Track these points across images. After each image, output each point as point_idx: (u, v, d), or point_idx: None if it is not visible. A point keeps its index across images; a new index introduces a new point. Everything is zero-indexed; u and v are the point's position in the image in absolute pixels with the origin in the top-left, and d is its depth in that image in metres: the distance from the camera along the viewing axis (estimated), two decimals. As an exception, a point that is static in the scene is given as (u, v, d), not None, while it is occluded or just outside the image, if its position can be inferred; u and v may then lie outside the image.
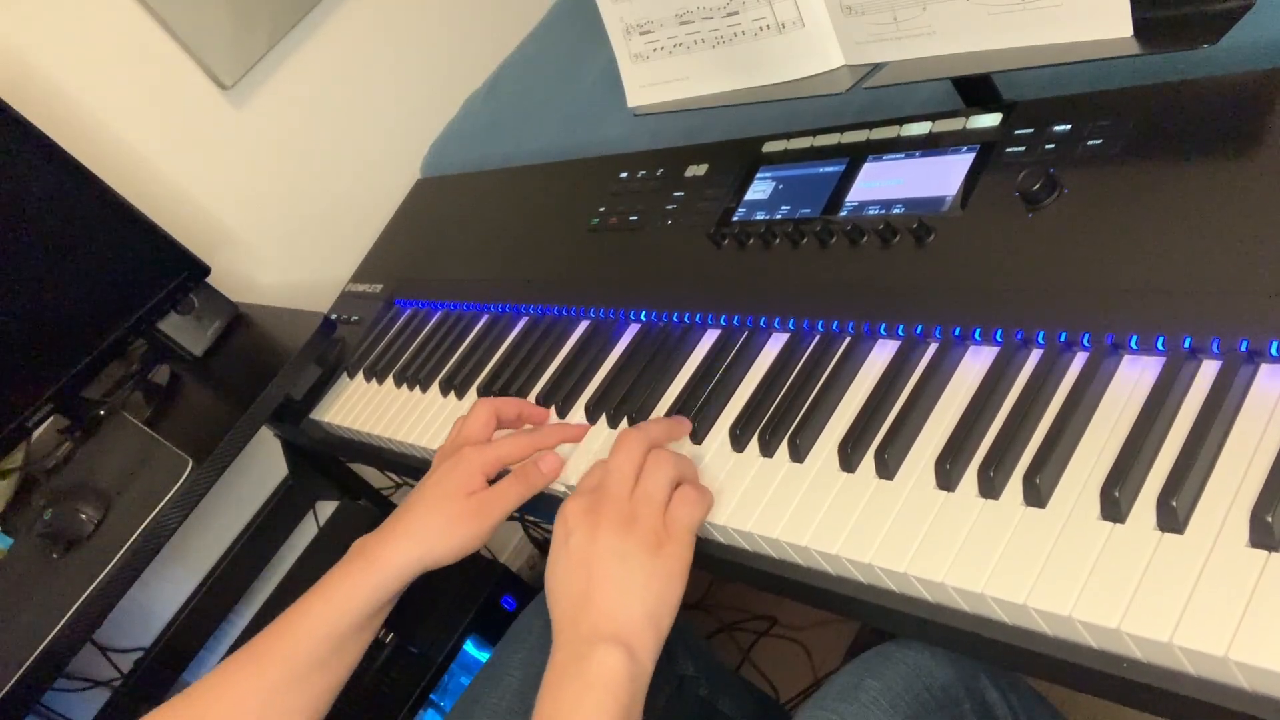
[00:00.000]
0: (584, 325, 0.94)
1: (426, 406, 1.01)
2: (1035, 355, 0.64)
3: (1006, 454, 0.60)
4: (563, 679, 0.63)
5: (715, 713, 1.01)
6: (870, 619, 0.64)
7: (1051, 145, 0.71)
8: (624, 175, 1.02)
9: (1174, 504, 0.52)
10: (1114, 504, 0.54)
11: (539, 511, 0.90)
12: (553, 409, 0.88)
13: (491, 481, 0.79)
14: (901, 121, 0.81)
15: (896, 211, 0.77)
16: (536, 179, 1.17)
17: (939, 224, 0.73)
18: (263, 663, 0.73)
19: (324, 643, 0.73)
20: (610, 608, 0.64)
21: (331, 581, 0.75)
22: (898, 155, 0.80)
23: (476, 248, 1.16)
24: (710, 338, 0.83)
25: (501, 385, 0.94)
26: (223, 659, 0.80)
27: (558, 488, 0.84)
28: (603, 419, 0.84)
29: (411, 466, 1.02)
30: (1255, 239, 0.58)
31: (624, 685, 0.62)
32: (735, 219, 0.87)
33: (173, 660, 1.36)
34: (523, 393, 0.92)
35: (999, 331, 0.66)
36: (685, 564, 0.67)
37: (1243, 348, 0.55)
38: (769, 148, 0.90)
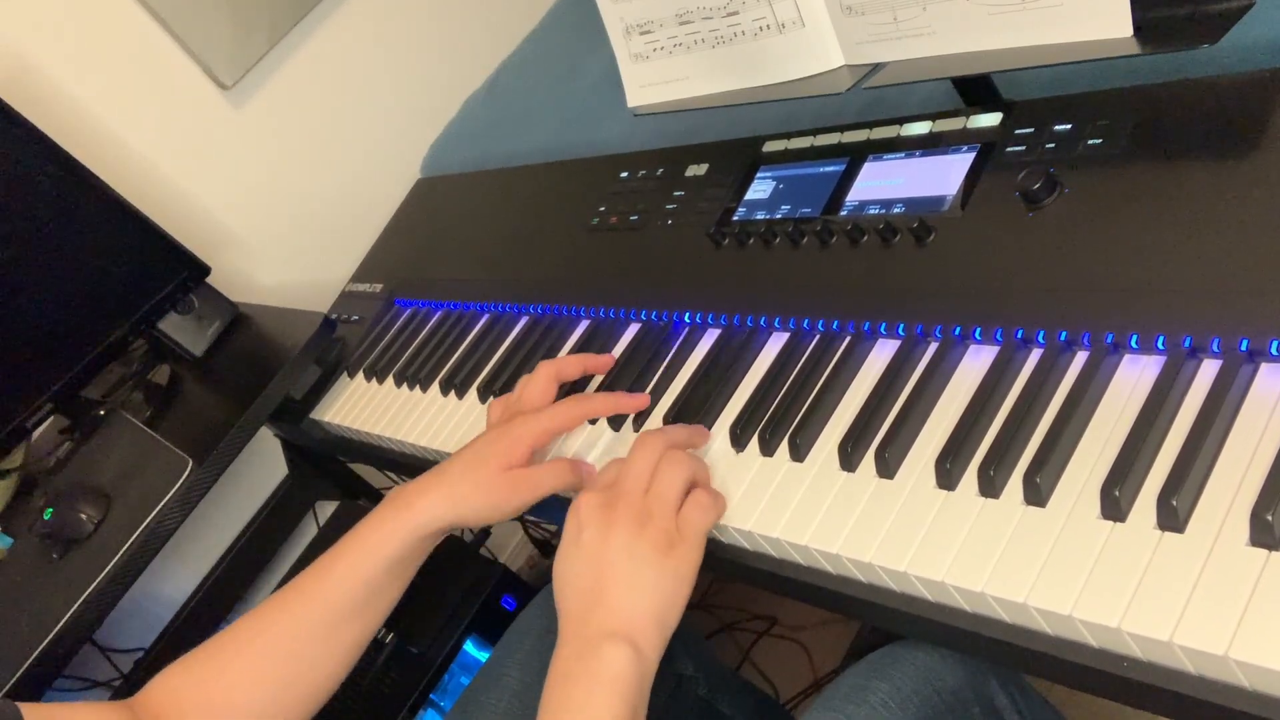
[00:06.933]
0: (584, 325, 0.94)
1: (426, 406, 1.01)
2: (1035, 355, 0.64)
3: (1007, 453, 0.60)
4: (570, 675, 0.64)
5: (714, 712, 1.01)
6: (871, 618, 0.64)
7: (1051, 145, 0.71)
8: (624, 175, 1.02)
9: (1174, 503, 0.52)
10: (1114, 503, 0.54)
11: (539, 511, 0.90)
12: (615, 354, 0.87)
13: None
14: (901, 121, 0.81)
15: (897, 211, 0.77)
16: (536, 179, 1.17)
17: (939, 223, 0.73)
18: (299, 606, 0.75)
19: (359, 588, 0.75)
20: (619, 605, 0.65)
21: (367, 527, 0.76)
22: (898, 155, 0.80)
23: (477, 247, 1.16)
24: (710, 338, 0.83)
25: (501, 385, 0.94)
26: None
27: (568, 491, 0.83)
28: (603, 419, 0.84)
29: (412, 466, 1.02)
30: (1255, 238, 0.58)
31: (631, 683, 0.62)
32: (735, 219, 0.87)
33: (173, 660, 1.36)
34: (523, 392, 0.92)
35: (999, 331, 0.66)
36: (695, 566, 0.68)
37: (1243, 347, 0.55)
38: (769, 147, 0.90)
